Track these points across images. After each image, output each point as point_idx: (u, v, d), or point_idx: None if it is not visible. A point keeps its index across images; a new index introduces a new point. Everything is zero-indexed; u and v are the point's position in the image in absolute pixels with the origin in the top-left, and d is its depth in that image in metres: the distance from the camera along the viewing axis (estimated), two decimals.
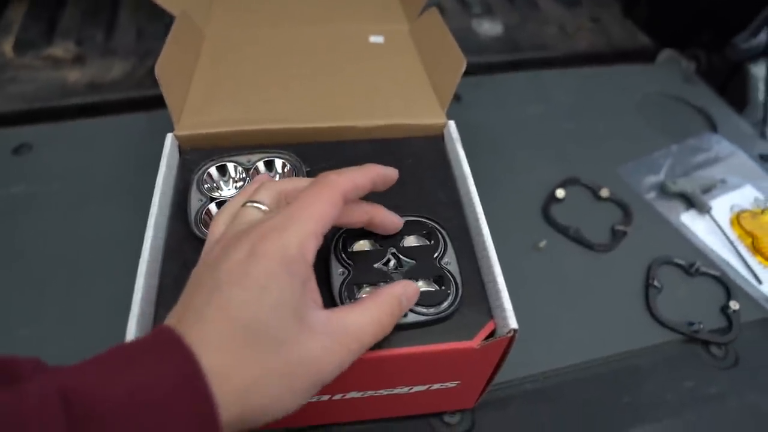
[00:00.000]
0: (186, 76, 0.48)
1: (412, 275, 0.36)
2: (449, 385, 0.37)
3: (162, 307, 0.34)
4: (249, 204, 0.30)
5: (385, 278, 0.35)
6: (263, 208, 0.30)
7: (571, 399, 0.46)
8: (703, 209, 0.60)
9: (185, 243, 0.38)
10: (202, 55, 0.52)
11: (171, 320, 0.26)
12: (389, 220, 0.36)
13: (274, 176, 0.42)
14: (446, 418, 0.43)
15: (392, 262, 0.36)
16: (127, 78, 0.69)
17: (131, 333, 0.31)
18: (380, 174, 0.33)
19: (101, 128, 0.64)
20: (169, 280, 0.36)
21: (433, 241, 0.38)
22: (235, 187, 0.41)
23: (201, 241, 0.37)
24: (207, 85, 0.48)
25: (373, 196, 0.40)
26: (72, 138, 0.63)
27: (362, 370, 0.34)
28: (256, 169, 0.41)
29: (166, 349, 0.23)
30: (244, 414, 0.24)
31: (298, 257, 0.26)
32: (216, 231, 0.31)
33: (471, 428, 0.43)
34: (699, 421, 0.45)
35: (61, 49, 0.71)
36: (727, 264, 0.56)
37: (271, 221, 0.28)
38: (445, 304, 0.34)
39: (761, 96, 0.73)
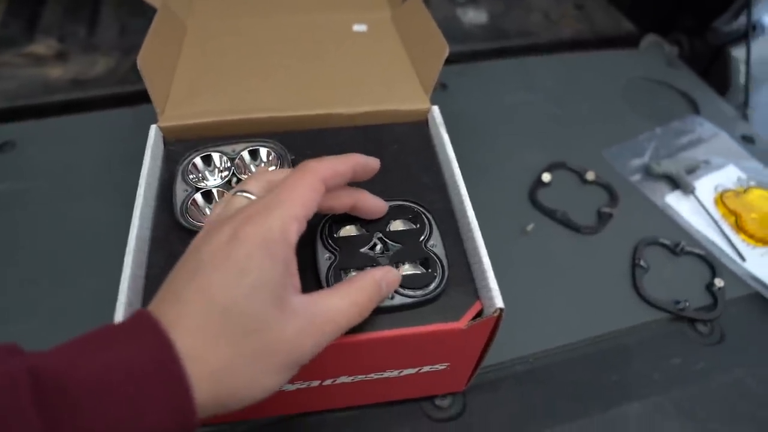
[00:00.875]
0: (169, 68, 0.48)
1: (399, 259, 0.36)
2: (439, 367, 0.38)
3: (149, 298, 0.34)
4: (238, 193, 0.31)
5: (372, 262, 0.36)
6: (251, 196, 0.31)
7: (560, 379, 0.46)
8: (688, 190, 0.60)
9: (171, 233, 0.38)
10: (185, 46, 0.52)
11: (152, 303, 0.26)
12: (373, 204, 0.36)
13: (260, 165, 0.42)
14: (437, 402, 0.44)
15: (378, 246, 0.37)
16: (110, 74, 0.69)
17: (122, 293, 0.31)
18: (360, 163, 0.33)
19: (85, 124, 0.64)
20: (156, 270, 0.36)
21: (418, 225, 0.38)
22: (221, 177, 0.41)
23: (187, 232, 0.37)
24: (190, 76, 0.48)
25: (359, 182, 0.40)
26: (56, 135, 0.62)
27: (351, 353, 0.34)
28: (242, 159, 0.41)
29: (142, 331, 0.24)
30: (220, 395, 0.24)
31: (280, 240, 0.27)
32: (209, 221, 0.31)
33: (462, 411, 0.44)
34: (686, 398, 0.46)
35: (43, 46, 0.70)
36: (712, 243, 0.57)
37: (255, 206, 0.28)
38: (432, 286, 0.35)
39: (742, 78, 0.74)
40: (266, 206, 0.28)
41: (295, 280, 0.28)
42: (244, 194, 0.31)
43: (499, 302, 0.33)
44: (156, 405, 0.22)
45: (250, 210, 0.28)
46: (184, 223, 0.37)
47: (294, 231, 0.28)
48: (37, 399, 0.21)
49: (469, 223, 0.37)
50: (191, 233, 0.37)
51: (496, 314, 0.33)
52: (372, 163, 0.34)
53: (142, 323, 0.24)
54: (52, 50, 0.70)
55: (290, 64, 0.50)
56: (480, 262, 0.35)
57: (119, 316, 0.31)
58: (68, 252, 0.52)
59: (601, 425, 0.44)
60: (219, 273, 0.25)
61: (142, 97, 0.64)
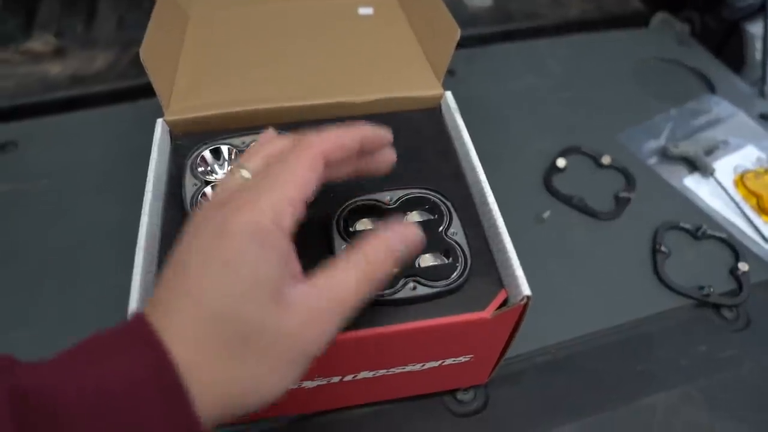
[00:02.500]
0: (172, 60, 0.47)
1: None
2: (462, 359, 0.36)
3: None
4: (235, 169, 0.29)
5: None
6: (247, 175, 0.28)
7: (584, 370, 0.45)
8: (707, 171, 0.59)
9: (182, 229, 0.36)
10: (188, 37, 0.50)
11: (148, 306, 0.24)
12: (379, 158, 0.33)
13: None
14: (459, 396, 0.42)
15: None
16: (110, 69, 0.67)
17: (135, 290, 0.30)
18: (368, 136, 0.30)
19: (87, 121, 0.62)
20: (167, 256, 0.34)
21: (437, 215, 0.37)
22: None
23: None
24: (195, 67, 0.47)
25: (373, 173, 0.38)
26: (58, 133, 0.61)
27: (372, 347, 0.33)
28: None
29: (136, 341, 0.22)
30: (227, 402, 0.23)
31: (272, 229, 0.25)
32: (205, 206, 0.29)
33: (485, 404, 0.42)
34: (714, 386, 0.45)
35: (40, 43, 0.69)
36: (734, 225, 0.55)
37: (246, 192, 0.26)
38: (455, 276, 0.33)
39: (758, 55, 0.72)
40: (258, 190, 0.26)
41: (294, 267, 0.26)
42: (241, 172, 0.28)
43: (526, 290, 0.31)
44: (155, 423, 0.21)
45: (241, 196, 0.25)
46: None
47: (289, 216, 0.25)
48: (21, 425, 0.19)
49: (490, 210, 0.36)
50: None
51: (523, 302, 0.31)
52: (383, 135, 0.31)
53: (136, 332, 0.22)
54: (49, 47, 0.68)
55: (296, 51, 0.49)
56: (504, 249, 0.34)
57: (135, 284, 0.30)
58: (76, 251, 0.50)
59: (627, 416, 0.43)
60: (208, 274, 0.23)
61: (143, 92, 0.63)
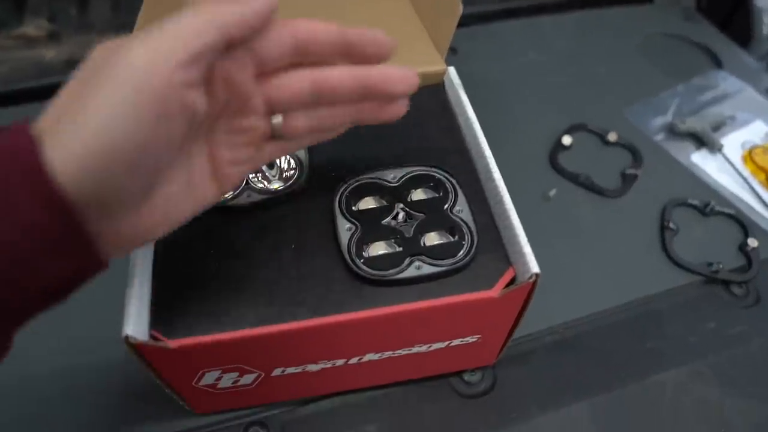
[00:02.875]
0: None
1: (423, 228, 0.34)
2: (469, 340, 0.36)
3: (160, 271, 0.32)
4: None
5: (395, 234, 0.34)
6: None
7: (593, 348, 0.44)
8: (714, 147, 0.58)
9: None
10: None
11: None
12: (386, 109, 0.29)
13: None
14: (467, 377, 0.42)
15: (401, 215, 0.34)
16: None
17: (131, 305, 0.29)
18: (354, 35, 0.27)
19: None
20: (163, 251, 0.34)
21: (441, 192, 0.36)
22: None
23: None
24: None
25: (374, 148, 0.38)
26: None
27: (378, 328, 0.32)
28: None
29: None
30: (96, 161, 0.21)
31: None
32: None
33: (493, 385, 0.42)
34: (724, 362, 0.44)
35: (33, 27, 0.67)
36: (742, 201, 0.54)
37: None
38: (461, 254, 0.32)
39: (766, 29, 0.71)
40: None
41: None
42: None
43: (535, 267, 0.31)
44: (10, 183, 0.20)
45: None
46: None
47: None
48: None
49: (496, 186, 0.35)
50: None
51: (532, 280, 0.31)
52: (380, 41, 0.27)
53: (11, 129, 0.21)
54: (43, 31, 0.67)
55: None
56: (511, 226, 0.33)
57: (131, 299, 0.29)
58: None
59: (637, 394, 0.42)
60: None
61: None
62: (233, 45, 0.24)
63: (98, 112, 0.21)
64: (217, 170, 0.27)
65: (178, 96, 0.22)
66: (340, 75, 0.27)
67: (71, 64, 0.65)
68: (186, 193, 0.26)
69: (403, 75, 0.28)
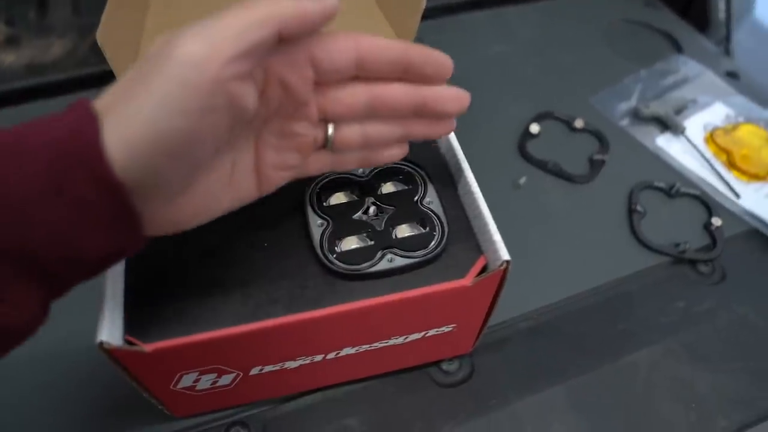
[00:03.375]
0: (133, 43, 0.45)
1: (395, 221, 0.34)
2: (445, 329, 0.36)
3: (132, 274, 0.32)
4: None
5: (367, 227, 0.34)
6: None
7: (567, 333, 0.45)
8: (678, 130, 0.59)
9: None
10: (149, 17, 0.48)
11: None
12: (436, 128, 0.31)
13: None
14: (445, 366, 0.42)
15: (372, 209, 0.35)
16: (69, 56, 0.65)
17: (104, 310, 0.29)
18: (418, 55, 0.27)
19: (47, 112, 0.60)
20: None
21: (411, 185, 0.36)
22: None
23: None
24: None
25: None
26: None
27: (353, 322, 0.32)
28: None
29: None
30: (142, 150, 0.22)
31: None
32: None
33: (471, 373, 0.42)
34: (694, 339, 0.45)
35: None
36: (706, 182, 0.56)
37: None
38: (432, 245, 0.33)
39: (722, 14, 0.72)
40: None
41: None
42: None
43: (505, 254, 0.31)
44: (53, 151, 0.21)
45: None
46: None
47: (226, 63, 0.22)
48: None
49: (465, 176, 0.35)
50: None
51: (503, 267, 0.31)
52: (441, 61, 0.28)
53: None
54: (1, 35, 0.65)
55: None
56: (480, 215, 0.33)
57: (104, 305, 0.29)
58: None
59: (613, 375, 0.43)
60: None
61: (106, 79, 0.61)
62: (290, 42, 0.24)
63: (147, 103, 0.21)
64: (261, 171, 0.28)
65: (226, 90, 0.23)
66: (397, 92, 0.28)
67: (32, 68, 0.63)
68: (227, 188, 0.27)
69: (456, 95, 0.30)
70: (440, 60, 0.28)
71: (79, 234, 0.22)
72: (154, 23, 0.48)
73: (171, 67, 0.22)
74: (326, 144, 0.29)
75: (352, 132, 0.29)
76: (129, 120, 0.22)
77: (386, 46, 0.27)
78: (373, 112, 0.28)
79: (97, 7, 0.43)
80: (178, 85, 0.22)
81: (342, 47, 0.26)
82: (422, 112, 0.29)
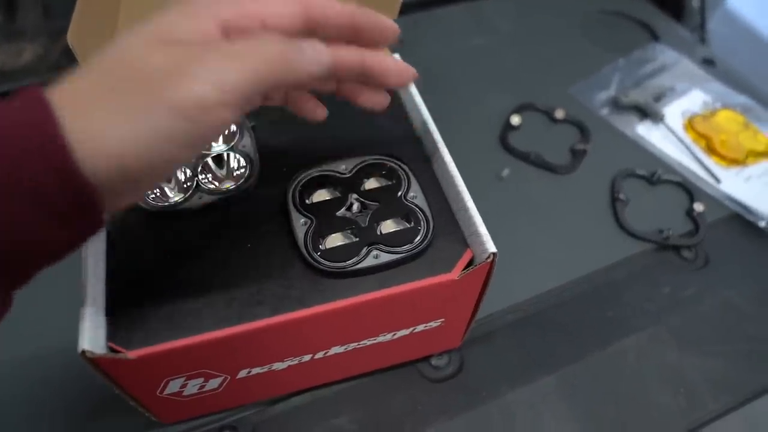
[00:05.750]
0: (104, 43, 0.44)
1: (379, 217, 0.34)
2: (433, 324, 0.36)
3: (113, 279, 0.31)
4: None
5: (351, 224, 0.33)
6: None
7: (555, 322, 0.45)
8: (657, 118, 0.60)
9: (129, 216, 0.34)
10: (122, 16, 0.47)
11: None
12: (371, 97, 0.30)
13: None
14: (434, 362, 0.42)
15: (356, 206, 0.34)
16: (40, 61, 0.63)
17: (85, 318, 0.28)
18: (362, 18, 0.27)
19: None
20: (116, 258, 0.33)
21: (395, 180, 0.36)
22: None
23: (147, 212, 0.34)
24: None
25: (324, 141, 0.37)
26: None
27: (341, 320, 0.32)
28: None
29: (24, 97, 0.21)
30: (126, 166, 0.21)
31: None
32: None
33: (460, 367, 0.42)
34: (681, 324, 0.46)
35: None
36: (687, 168, 0.56)
37: (205, 49, 0.23)
38: (418, 239, 0.33)
39: (696, 2, 0.73)
40: (217, 57, 0.23)
41: None
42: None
43: (491, 247, 0.31)
44: (27, 155, 0.20)
45: (195, 53, 0.23)
46: (143, 205, 0.34)
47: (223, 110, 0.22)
48: None
49: (448, 170, 0.35)
50: (151, 213, 0.34)
51: (489, 260, 0.31)
52: (384, 25, 0.28)
53: (27, 93, 0.21)
54: None
55: None
56: (465, 208, 0.33)
57: (85, 312, 0.28)
58: None
59: (602, 362, 0.43)
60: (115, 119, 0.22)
61: None
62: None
63: (146, 133, 0.22)
64: None
65: (226, 125, 0.24)
66: (345, 54, 0.27)
67: (3, 74, 0.62)
68: None
69: (400, 68, 0.29)
70: (386, 24, 0.28)
71: (38, 230, 0.21)
72: (126, 24, 0.47)
73: (182, 106, 0.22)
74: None
75: None
76: (120, 140, 0.21)
77: (337, 10, 0.27)
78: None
79: (68, 10, 0.42)
80: (189, 123, 0.22)
81: (290, 9, 0.26)
82: (366, 79, 0.29)
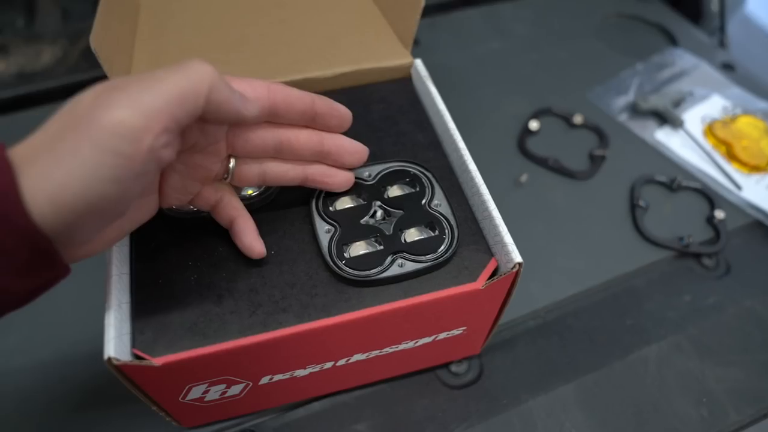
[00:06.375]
0: (126, 47, 0.44)
1: (403, 225, 0.34)
2: (455, 332, 0.36)
3: (138, 294, 0.31)
4: None
5: (375, 232, 0.33)
6: None
7: (575, 329, 0.45)
8: (677, 123, 0.59)
9: (153, 222, 0.34)
10: (141, 23, 0.47)
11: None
12: (345, 150, 0.33)
13: None
14: (453, 368, 0.42)
15: (379, 213, 0.34)
16: (59, 63, 0.64)
17: (110, 325, 0.28)
18: (321, 103, 0.31)
19: (39, 120, 0.59)
20: (142, 264, 0.33)
21: (418, 188, 0.35)
22: None
23: (171, 219, 0.34)
24: (150, 55, 0.44)
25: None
26: (8, 134, 0.57)
27: (364, 329, 0.32)
28: None
29: None
30: (69, 208, 0.22)
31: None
32: None
33: (480, 374, 0.42)
34: (702, 333, 0.45)
35: None
36: (707, 175, 0.56)
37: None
38: (442, 248, 0.32)
39: (715, 6, 0.72)
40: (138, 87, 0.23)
41: None
42: None
43: (517, 257, 0.31)
44: None
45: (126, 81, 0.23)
46: (166, 211, 0.34)
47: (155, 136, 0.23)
48: None
49: (472, 178, 0.35)
50: (175, 220, 0.34)
51: (515, 269, 0.31)
52: (340, 111, 0.32)
53: None
54: None
55: (256, 31, 0.46)
56: (490, 216, 0.33)
57: (110, 319, 0.28)
58: None
59: (622, 371, 0.43)
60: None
61: None
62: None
63: (77, 171, 0.22)
64: (163, 191, 0.29)
65: (158, 157, 0.24)
66: (303, 139, 0.31)
67: (23, 77, 0.62)
68: (137, 210, 0.28)
69: (356, 149, 0.33)
70: (342, 112, 0.32)
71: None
72: (146, 29, 0.47)
73: (103, 137, 0.22)
74: (226, 177, 0.31)
75: (252, 169, 0.31)
76: (56, 182, 0.22)
77: (299, 97, 0.30)
78: (278, 155, 0.31)
79: (87, 12, 0.42)
80: (112, 155, 0.22)
81: (258, 99, 0.28)
82: (323, 160, 0.32)
